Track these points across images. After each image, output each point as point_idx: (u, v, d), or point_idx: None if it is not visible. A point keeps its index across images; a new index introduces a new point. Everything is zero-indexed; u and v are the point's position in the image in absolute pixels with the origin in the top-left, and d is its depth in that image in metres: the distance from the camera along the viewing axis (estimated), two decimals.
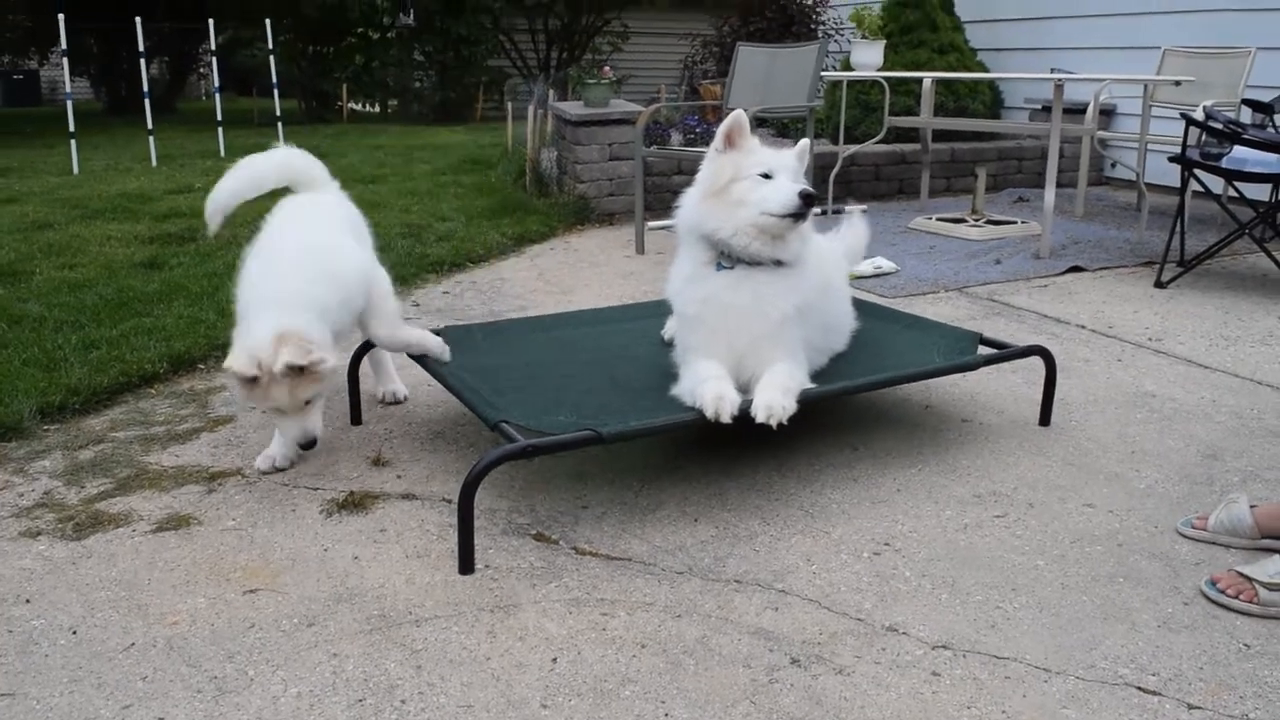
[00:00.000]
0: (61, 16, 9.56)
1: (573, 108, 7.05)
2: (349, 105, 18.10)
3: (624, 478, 2.82)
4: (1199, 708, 1.88)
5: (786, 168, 2.64)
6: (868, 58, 7.65)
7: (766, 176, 2.61)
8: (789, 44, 7.28)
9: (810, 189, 2.62)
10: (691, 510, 2.63)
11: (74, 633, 2.11)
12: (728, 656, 2.02)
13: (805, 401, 2.62)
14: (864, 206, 7.27)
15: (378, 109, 19.31)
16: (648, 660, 2.00)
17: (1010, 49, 9.17)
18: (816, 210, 2.68)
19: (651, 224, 5.89)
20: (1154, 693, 1.92)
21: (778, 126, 8.78)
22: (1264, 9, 6.96)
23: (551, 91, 9.61)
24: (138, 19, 10.07)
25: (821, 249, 2.96)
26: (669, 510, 2.63)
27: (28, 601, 2.23)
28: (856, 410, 3.33)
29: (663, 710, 1.85)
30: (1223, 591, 2.24)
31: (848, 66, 8.24)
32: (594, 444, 2.43)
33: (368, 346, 3.24)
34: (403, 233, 6.12)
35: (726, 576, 2.32)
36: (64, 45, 9.77)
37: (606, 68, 7.47)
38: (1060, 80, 5.67)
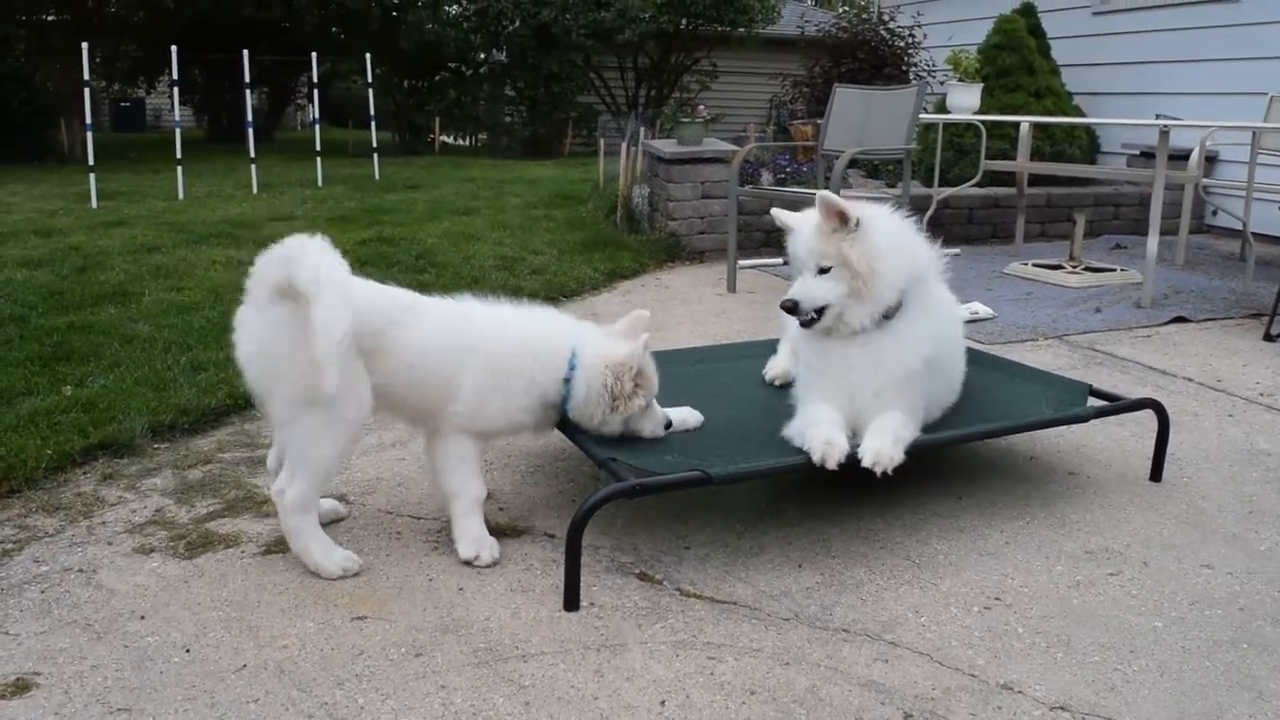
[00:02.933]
0: (174, 49, 9.92)
1: (666, 145, 7.10)
2: (441, 138, 18.48)
3: (726, 519, 2.80)
4: None
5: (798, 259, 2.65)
6: (964, 100, 7.59)
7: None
8: (886, 86, 7.26)
9: (790, 298, 2.61)
10: (795, 555, 2.60)
11: (187, 651, 2.15)
12: (839, 708, 1.98)
13: (912, 449, 2.58)
14: (958, 250, 7.19)
15: (468, 142, 19.68)
16: (757, 708, 1.97)
17: (1108, 93, 9.02)
18: (808, 316, 2.63)
19: (743, 263, 5.89)
20: None
21: (868, 168, 8.74)
22: None
23: (643, 128, 9.70)
24: (245, 52, 10.41)
25: (944, 301, 2.90)
26: (772, 554, 2.60)
27: (142, 618, 2.28)
28: (960, 458, 3.27)
29: None
30: None
31: (941, 109, 8.18)
32: (703, 485, 2.42)
33: None
34: (497, 265, 6.20)
35: (834, 625, 2.28)
36: (175, 75, 10.14)
37: (701, 106, 7.52)
38: (1166, 126, 5.55)
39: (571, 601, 2.32)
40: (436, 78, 18.55)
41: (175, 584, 2.43)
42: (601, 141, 9.64)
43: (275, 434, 2.54)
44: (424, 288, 5.42)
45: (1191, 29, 8.30)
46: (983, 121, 7.27)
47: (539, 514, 2.83)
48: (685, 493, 2.85)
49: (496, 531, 2.70)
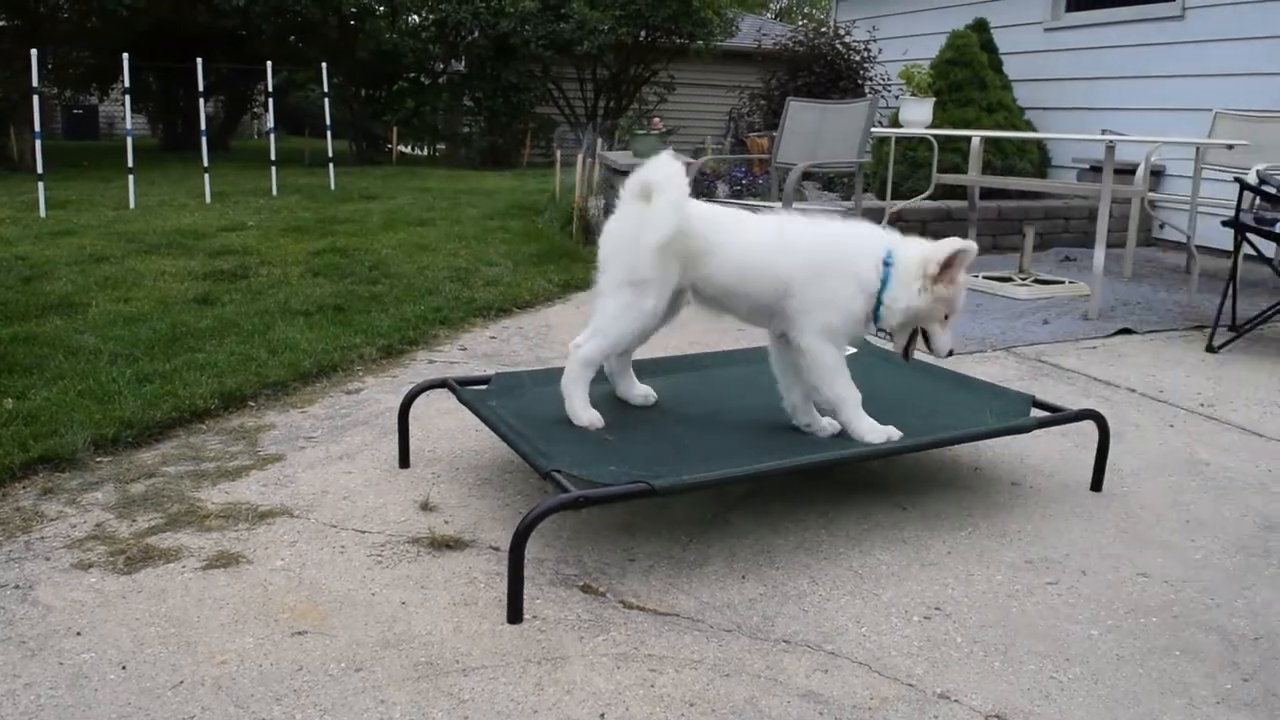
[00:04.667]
0: (126, 56, 9.81)
1: (622, 157, 7.12)
2: (398, 148, 18.40)
3: (671, 531, 2.81)
4: None
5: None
6: (916, 115, 7.68)
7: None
8: (839, 99, 7.33)
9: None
10: (739, 566, 2.61)
11: (123, 668, 2.12)
12: (777, 718, 1.99)
13: (856, 460, 2.60)
14: None
15: (426, 152, 19.62)
16: (696, 719, 1.98)
17: (1059, 108, 9.17)
18: None
19: None
20: None
21: (823, 180, 8.81)
22: None
23: (599, 140, 9.72)
24: (199, 60, 10.31)
25: None
26: (716, 566, 2.62)
27: (78, 634, 2.25)
28: (905, 469, 3.30)
29: None
30: None
31: (895, 123, 8.27)
32: (646, 496, 2.43)
33: (419, 391, 3.26)
34: (451, 276, 6.19)
35: (775, 636, 2.29)
36: (126, 83, 10.02)
37: (656, 119, 7.55)
38: (1112, 141, 5.65)
39: (514, 614, 2.32)
40: (394, 87, 18.49)
41: (113, 599, 2.40)
42: (558, 153, 9.66)
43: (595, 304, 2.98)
44: (376, 299, 5.44)
45: (1139, 46, 8.47)
46: (935, 135, 7.36)
47: (484, 526, 2.82)
48: (632, 504, 2.86)
49: (441, 544, 2.70)
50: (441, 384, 3.29)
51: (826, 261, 2.84)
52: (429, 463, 3.31)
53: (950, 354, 2.98)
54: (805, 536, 2.79)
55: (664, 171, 2.78)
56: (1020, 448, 3.53)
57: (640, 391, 3.19)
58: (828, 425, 2.97)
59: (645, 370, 3.46)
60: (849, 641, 2.28)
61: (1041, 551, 2.76)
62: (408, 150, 19.48)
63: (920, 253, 2.84)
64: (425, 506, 2.95)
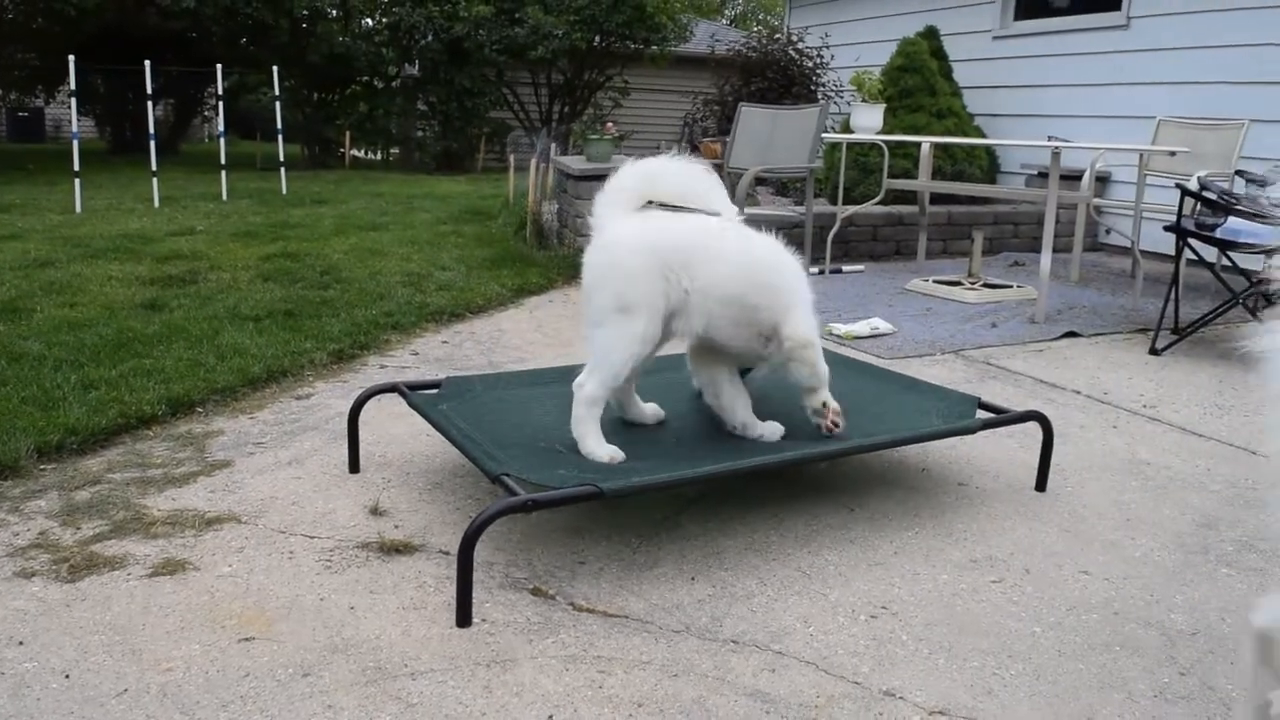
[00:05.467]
0: (72, 58, 9.66)
1: (575, 162, 7.13)
2: (351, 152, 18.28)
3: (622, 533, 2.82)
4: None
5: None
6: (867, 121, 7.77)
7: None
8: (791, 105, 7.39)
9: None
10: (689, 568, 2.63)
11: (67, 676, 2.09)
12: (725, 718, 2.01)
13: (803, 462, 2.63)
14: (861, 267, 7.34)
15: (380, 156, 19.50)
16: None
17: (1007, 115, 9.32)
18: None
19: None
20: None
21: (777, 185, 8.88)
22: (1257, 82, 7.09)
23: (554, 145, 9.72)
24: (147, 62, 10.18)
25: None
26: (666, 568, 2.63)
27: (20, 644, 2.21)
28: (853, 471, 3.34)
29: None
30: None
31: (847, 128, 8.36)
32: (594, 499, 2.44)
33: (369, 396, 3.25)
34: (403, 281, 6.16)
35: (723, 636, 2.31)
36: (73, 86, 9.87)
37: (610, 124, 7.57)
38: (1057, 148, 5.75)
39: (463, 618, 2.31)
40: (347, 91, 18.36)
41: (56, 608, 2.37)
42: (512, 157, 9.65)
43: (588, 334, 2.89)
44: (327, 304, 5.40)
45: (1085, 54, 8.63)
46: (885, 141, 7.44)
47: (434, 531, 2.82)
48: (582, 507, 2.87)
49: (391, 549, 2.69)
50: (392, 389, 3.28)
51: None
52: (379, 467, 3.29)
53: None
54: (754, 538, 2.82)
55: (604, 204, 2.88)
56: (967, 449, 3.59)
57: (650, 410, 3.12)
58: (770, 430, 3.00)
59: None
60: (796, 641, 2.30)
61: (986, 550, 2.81)
62: (361, 155, 19.35)
63: None
64: (375, 511, 2.94)
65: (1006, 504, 3.14)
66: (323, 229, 8.43)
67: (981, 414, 3.26)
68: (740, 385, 3.05)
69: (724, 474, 2.77)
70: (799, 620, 2.39)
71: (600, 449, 2.77)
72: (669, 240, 2.82)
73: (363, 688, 2.07)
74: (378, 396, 3.30)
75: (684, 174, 2.91)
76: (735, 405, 3.02)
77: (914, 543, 2.84)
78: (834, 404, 2.99)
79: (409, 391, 3.23)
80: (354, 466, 3.25)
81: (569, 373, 3.50)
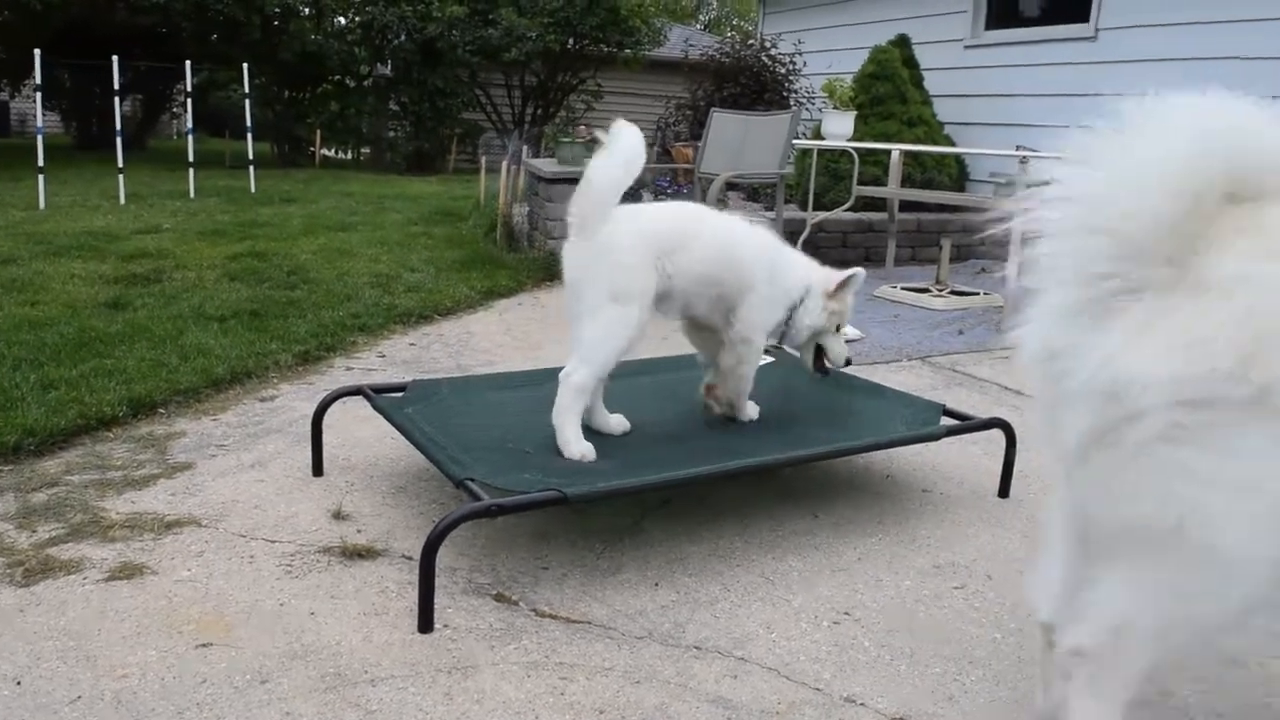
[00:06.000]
0: (38, 52, 9.54)
1: (546, 164, 7.12)
2: (321, 151, 18.16)
3: (586, 539, 2.81)
4: None
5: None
6: (838, 128, 7.80)
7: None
8: (762, 112, 7.42)
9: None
10: (653, 574, 2.63)
11: (18, 683, 2.06)
12: None
13: (768, 467, 2.63)
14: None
15: (350, 156, 19.39)
16: None
17: (977, 124, 9.38)
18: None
19: None
20: None
21: (748, 191, 8.90)
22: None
23: (525, 147, 9.70)
24: (114, 57, 10.07)
25: None
26: (630, 573, 2.62)
27: None
28: (819, 478, 3.35)
29: None
30: None
31: (818, 135, 8.39)
32: (559, 504, 2.43)
33: (333, 399, 3.22)
34: (371, 282, 6.12)
35: (686, 643, 2.31)
36: (38, 80, 9.75)
37: (583, 127, 7.57)
38: (1025, 157, 5.80)
39: (425, 624, 2.30)
40: (319, 90, 18.25)
41: (9, 613, 2.33)
42: (484, 159, 9.61)
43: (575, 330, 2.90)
44: (294, 305, 5.36)
45: (1054, 65, 8.70)
46: (856, 148, 7.48)
47: (398, 535, 2.80)
48: (547, 513, 2.86)
49: (353, 554, 2.67)
50: (357, 391, 3.26)
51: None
52: (343, 471, 3.27)
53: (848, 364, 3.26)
54: (719, 543, 2.82)
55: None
56: (932, 455, 3.61)
57: (616, 421, 3.08)
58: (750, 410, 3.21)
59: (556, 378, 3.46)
60: (759, 647, 2.30)
61: (949, 557, 2.82)
62: (331, 154, 19.22)
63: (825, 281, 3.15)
64: (338, 515, 2.92)
65: (970, 510, 3.16)
66: (291, 228, 8.37)
67: (946, 421, 3.28)
68: None
69: (688, 480, 2.78)
70: (762, 626, 2.40)
71: (574, 444, 2.80)
72: (659, 228, 2.93)
73: (321, 694, 2.05)
74: (343, 399, 3.27)
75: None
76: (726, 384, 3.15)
77: (877, 549, 2.85)
78: (749, 413, 3.20)
79: (374, 394, 3.21)
80: (317, 470, 3.22)
81: (537, 376, 3.51)
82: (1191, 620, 1.66)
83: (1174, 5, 7.59)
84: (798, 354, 3.28)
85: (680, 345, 3.42)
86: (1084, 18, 8.41)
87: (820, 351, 3.22)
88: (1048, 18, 9.01)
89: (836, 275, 3.13)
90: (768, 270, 3.05)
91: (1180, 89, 1.62)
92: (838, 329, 3.19)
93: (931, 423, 3.22)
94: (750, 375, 3.12)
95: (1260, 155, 1.54)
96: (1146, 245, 1.55)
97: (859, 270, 3.14)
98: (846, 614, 2.48)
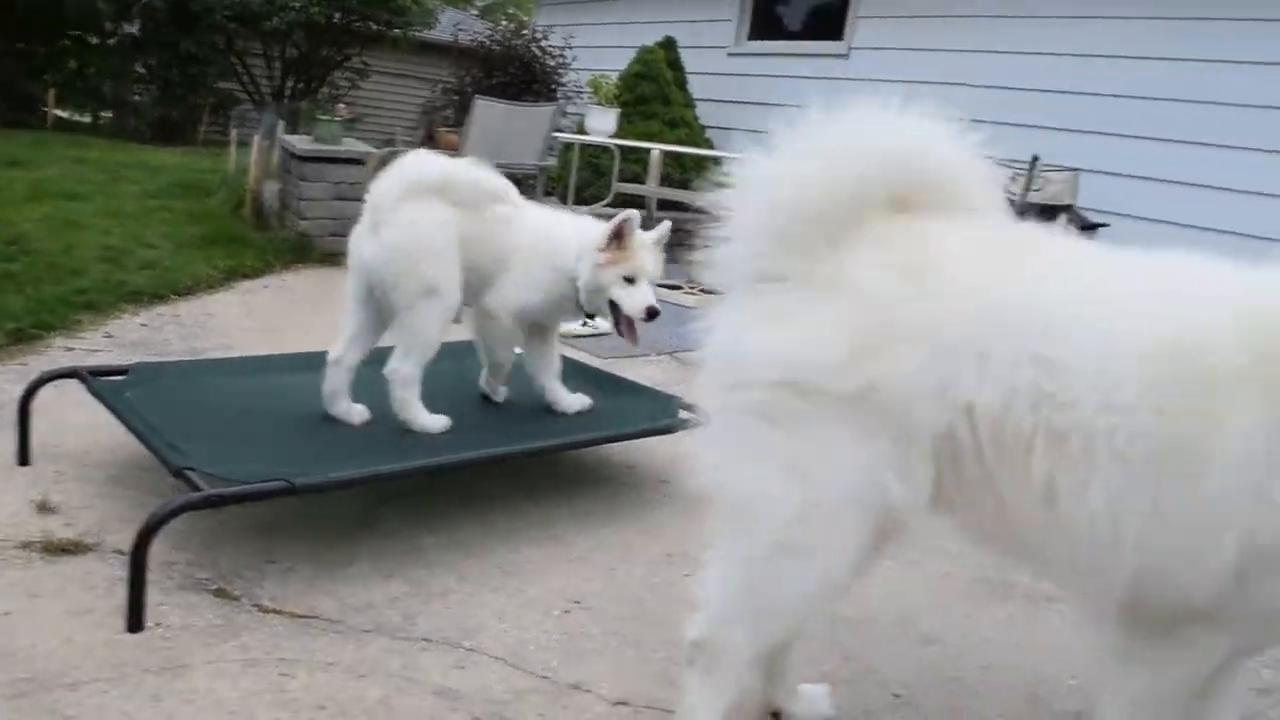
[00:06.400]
0: None
1: (301, 142, 6.86)
2: (55, 112, 16.72)
3: (317, 531, 2.74)
4: None
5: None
6: (601, 124, 7.91)
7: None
8: (526, 103, 7.42)
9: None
10: (385, 566, 2.59)
11: None
12: (409, 717, 1.99)
13: (508, 458, 2.65)
14: None
15: (89, 119, 17.96)
16: None
17: (737, 129, 9.73)
18: None
19: None
20: None
21: (511, 181, 8.88)
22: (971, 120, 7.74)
23: (282, 122, 9.29)
24: None
25: None
26: (362, 566, 2.58)
27: None
28: (562, 470, 3.39)
29: None
30: None
31: (582, 130, 8.48)
32: (285, 495, 2.36)
33: (44, 381, 2.99)
34: (101, 256, 5.69)
35: (415, 635, 2.29)
36: None
37: (341, 105, 7.32)
38: None
39: (135, 622, 2.17)
40: (56, 45, 16.79)
41: None
42: (235, 132, 9.14)
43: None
44: (11, 278, 4.93)
45: (809, 78, 9.13)
46: (618, 145, 7.61)
47: (110, 528, 2.63)
48: (275, 505, 2.75)
49: (58, 549, 2.49)
50: (71, 374, 3.04)
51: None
52: (53, 459, 3.03)
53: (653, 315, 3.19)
54: (456, 534, 2.81)
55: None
56: (673, 447, 3.71)
57: (358, 411, 3.04)
58: (572, 402, 3.30)
59: (307, 365, 3.35)
60: (489, 637, 2.32)
61: (682, 546, 2.92)
62: (66, 116, 17.74)
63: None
64: (44, 507, 2.71)
65: (706, 501, 3.27)
66: (14, 194, 7.65)
67: (685, 414, 3.39)
68: (550, 354, 3.33)
69: (423, 470, 2.76)
70: (494, 616, 2.41)
71: (433, 421, 2.95)
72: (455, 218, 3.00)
73: (11, 701, 1.91)
74: (56, 382, 3.04)
75: (480, 175, 3.07)
76: (538, 371, 3.30)
77: (613, 539, 2.92)
78: (562, 401, 3.25)
79: (90, 377, 3.00)
80: (23, 458, 2.98)
81: (276, 362, 3.38)
82: (769, 598, 1.80)
83: (920, 31, 8.15)
84: (604, 322, 3.45)
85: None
86: (838, 35, 8.89)
87: (617, 308, 3.15)
88: (807, 33, 9.47)
89: (607, 227, 3.11)
90: (528, 251, 3.11)
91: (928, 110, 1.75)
92: (632, 281, 3.12)
93: (672, 415, 3.33)
94: (500, 352, 3.19)
95: (924, 173, 1.70)
96: (793, 238, 1.67)
97: (626, 212, 3.11)
98: (577, 603, 2.53)
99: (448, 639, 2.29)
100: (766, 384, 1.67)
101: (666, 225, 3.25)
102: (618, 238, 3.08)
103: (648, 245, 3.16)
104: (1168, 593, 1.63)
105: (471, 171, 3.07)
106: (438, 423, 2.95)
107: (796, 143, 1.74)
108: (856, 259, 1.67)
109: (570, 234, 3.19)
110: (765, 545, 1.75)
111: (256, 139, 7.38)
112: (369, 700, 2.03)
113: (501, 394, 3.33)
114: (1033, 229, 1.78)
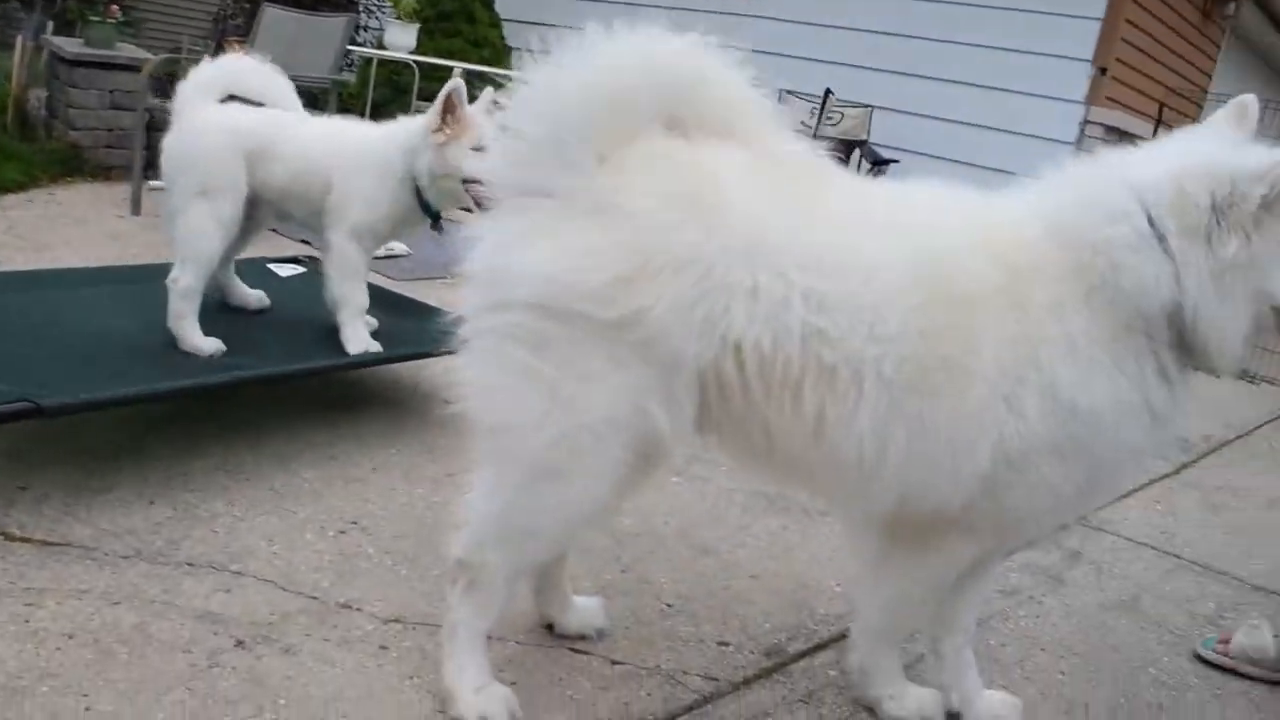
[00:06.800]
0: None
1: (71, 45, 6.35)
2: None
3: (76, 457, 2.60)
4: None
5: None
6: (400, 39, 7.63)
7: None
8: (318, 13, 7.10)
9: None
10: (149, 492, 2.49)
11: None
12: (166, 643, 1.94)
13: (284, 378, 2.58)
14: None
15: None
16: (75, 652, 1.87)
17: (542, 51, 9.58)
18: None
19: (152, 183, 5.46)
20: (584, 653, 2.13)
21: (307, 96, 8.50)
22: None
23: (50, 22, 8.56)
24: None
25: None
26: (123, 492, 2.47)
27: None
28: (344, 390, 3.32)
29: (84, 704, 1.75)
30: None
31: (381, 46, 8.17)
32: (31, 417, 2.23)
33: None
34: None
35: (178, 560, 2.22)
36: None
37: (115, 7, 6.79)
38: None
39: None
40: None
41: None
42: None
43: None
44: None
45: (615, 2, 9.07)
46: (418, 62, 7.38)
47: None
48: (25, 428, 2.58)
49: None
50: None
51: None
52: None
53: None
54: (228, 457, 2.73)
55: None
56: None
57: (254, 295, 3.22)
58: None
59: (53, 282, 3.16)
60: (258, 560, 2.27)
61: (462, 465, 2.91)
62: None
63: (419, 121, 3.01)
64: None
65: (469, 423, 3.28)
66: None
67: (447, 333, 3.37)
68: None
69: (188, 391, 2.68)
70: (264, 539, 2.36)
71: (204, 342, 2.85)
72: (250, 125, 2.97)
73: None
74: None
75: (265, 74, 3.07)
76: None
77: (395, 460, 2.90)
78: (356, 336, 3.07)
79: None
80: None
81: (33, 279, 3.18)
82: (527, 520, 1.82)
83: None
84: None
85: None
86: None
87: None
88: None
89: (434, 105, 2.97)
90: (351, 162, 3.01)
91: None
92: (481, 150, 2.89)
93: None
94: (343, 287, 3.06)
95: (697, 95, 1.71)
96: (559, 151, 1.66)
97: (451, 82, 2.97)
98: (354, 523, 2.51)
99: (213, 563, 2.23)
100: (525, 306, 1.65)
101: (482, 93, 3.11)
102: (449, 111, 2.95)
103: (481, 112, 3.04)
104: (926, 504, 1.76)
105: (263, 70, 3.04)
106: (208, 345, 2.85)
107: (566, 56, 1.70)
108: (624, 181, 1.66)
109: (386, 134, 3.07)
110: (522, 469, 1.75)
111: (20, 40, 6.78)
112: (124, 627, 1.96)
113: (371, 325, 3.18)
114: (806, 159, 1.77)
